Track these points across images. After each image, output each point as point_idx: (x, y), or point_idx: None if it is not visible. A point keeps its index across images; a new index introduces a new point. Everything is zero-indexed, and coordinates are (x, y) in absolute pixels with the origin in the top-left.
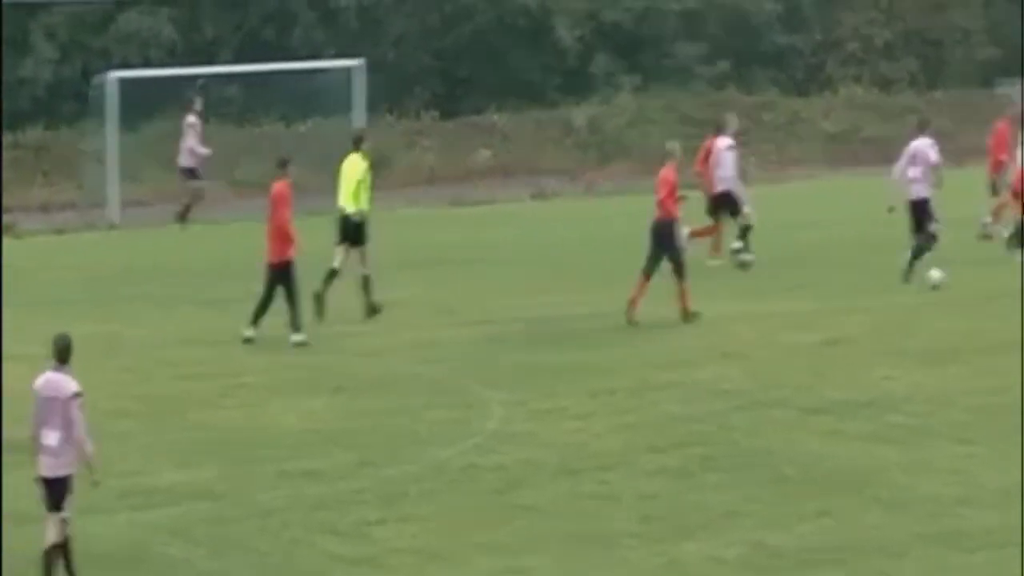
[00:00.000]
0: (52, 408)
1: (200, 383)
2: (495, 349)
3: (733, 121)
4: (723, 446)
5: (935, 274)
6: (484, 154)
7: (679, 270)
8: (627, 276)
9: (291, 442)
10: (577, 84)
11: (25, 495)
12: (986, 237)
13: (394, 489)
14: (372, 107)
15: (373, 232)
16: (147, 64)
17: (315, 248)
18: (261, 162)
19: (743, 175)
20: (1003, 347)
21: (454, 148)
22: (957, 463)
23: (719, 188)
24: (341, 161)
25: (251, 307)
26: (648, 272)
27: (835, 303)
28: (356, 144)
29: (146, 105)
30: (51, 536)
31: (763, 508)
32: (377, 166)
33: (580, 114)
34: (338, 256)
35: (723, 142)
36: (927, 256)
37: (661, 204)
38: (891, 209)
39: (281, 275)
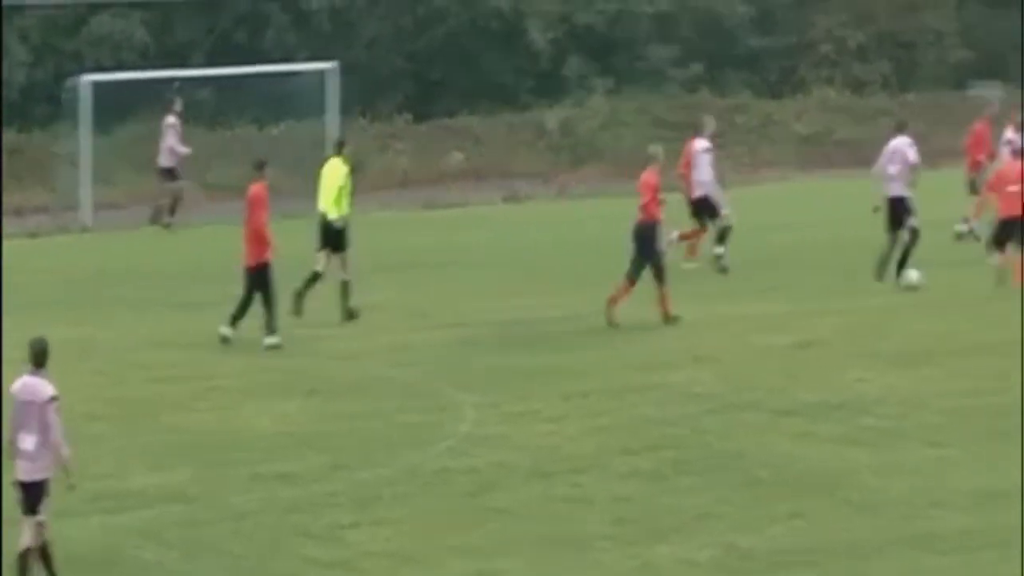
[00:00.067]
0: (29, 412)
1: (173, 386)
2: (468, 352)
3: (711, 123)
4: (696, 449)
5: (912, 275)
6: (457, 157)
7: (659, 274)
8: (600, 279)
9: (264, 445)
10: (550, 87)
11: (3, 498)
12: (960, 238)
13: (367, 492)
14: (345, 110)
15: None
16: (120, 67)
17: (291, 251)
18: (234, 165)
19: (720, 177)
20: (976, 349)
21: (427, 151)
22: (929, 465)
23: (697, 193)
24: (316, 165)
25: (226, 310)
26: (632, 277)
27: (808, 305)
28: (337, 149)
29: (119, 108)
30: (26, 539)
31: (735, 510)
32: (354, 170)
33: (553, 117)
34: (320, 260)
35: (700, 144)
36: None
37: (644, 208)
38: (876, 209)
39: (258, 278)
